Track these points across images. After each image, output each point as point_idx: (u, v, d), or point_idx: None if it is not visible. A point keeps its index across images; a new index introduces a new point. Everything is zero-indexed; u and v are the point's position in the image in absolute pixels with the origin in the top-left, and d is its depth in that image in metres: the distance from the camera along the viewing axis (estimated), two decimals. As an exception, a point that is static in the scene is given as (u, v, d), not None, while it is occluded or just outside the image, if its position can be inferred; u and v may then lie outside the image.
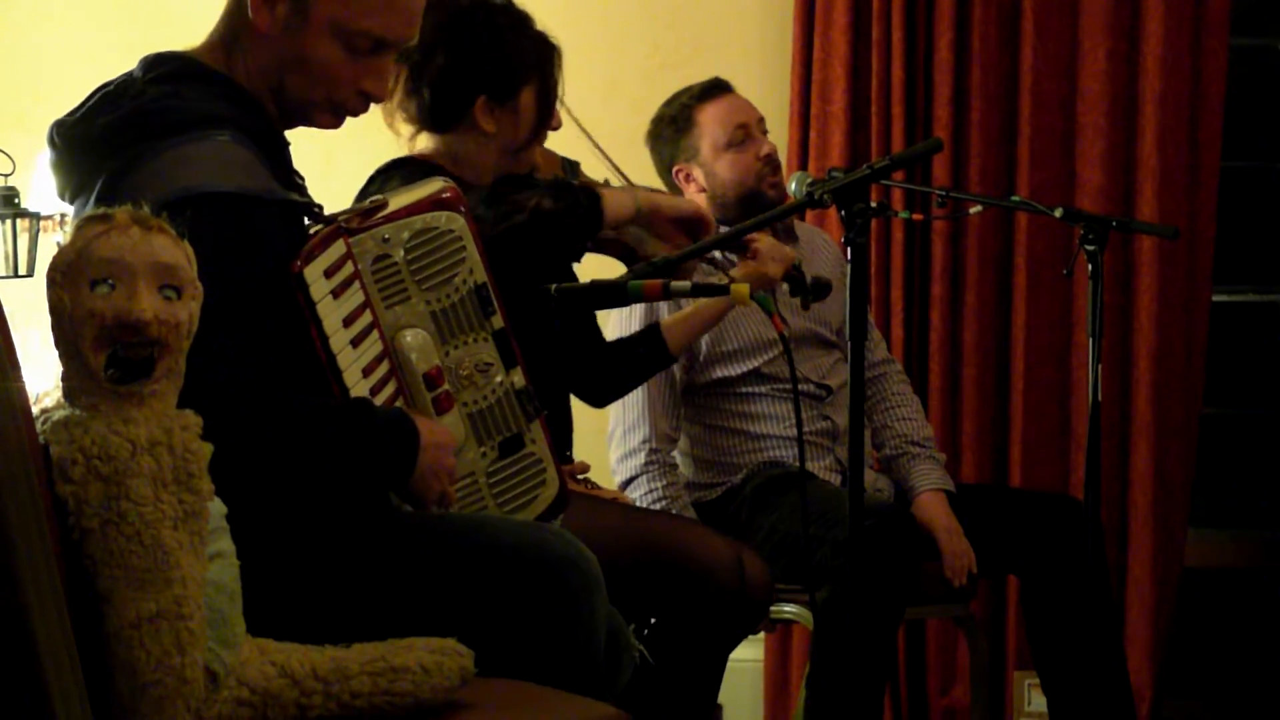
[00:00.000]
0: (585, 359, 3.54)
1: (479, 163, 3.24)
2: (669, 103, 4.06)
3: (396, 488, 2.45)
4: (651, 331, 3.59)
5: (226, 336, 2.27)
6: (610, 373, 3.57)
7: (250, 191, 2.38)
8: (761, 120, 4.04)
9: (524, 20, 3.28)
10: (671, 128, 4.02)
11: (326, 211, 2.53)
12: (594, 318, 3.63)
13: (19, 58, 4.88)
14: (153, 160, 2.35)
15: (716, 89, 4.03)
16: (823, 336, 4.00)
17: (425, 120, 3.25)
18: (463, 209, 2.57)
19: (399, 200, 2.56)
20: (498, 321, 2.60)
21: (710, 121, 3.99)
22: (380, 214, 2.51)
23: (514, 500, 2.64)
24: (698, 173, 4.00)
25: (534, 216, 2.96)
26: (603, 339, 3.62)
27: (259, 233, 2.38)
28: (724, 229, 3.88)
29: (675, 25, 4.89)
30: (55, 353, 1.99)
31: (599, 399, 3.65)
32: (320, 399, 2.41)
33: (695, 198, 3.98)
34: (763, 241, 3.49)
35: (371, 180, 3.22)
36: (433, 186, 2.59)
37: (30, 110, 4.77)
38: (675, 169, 4.02)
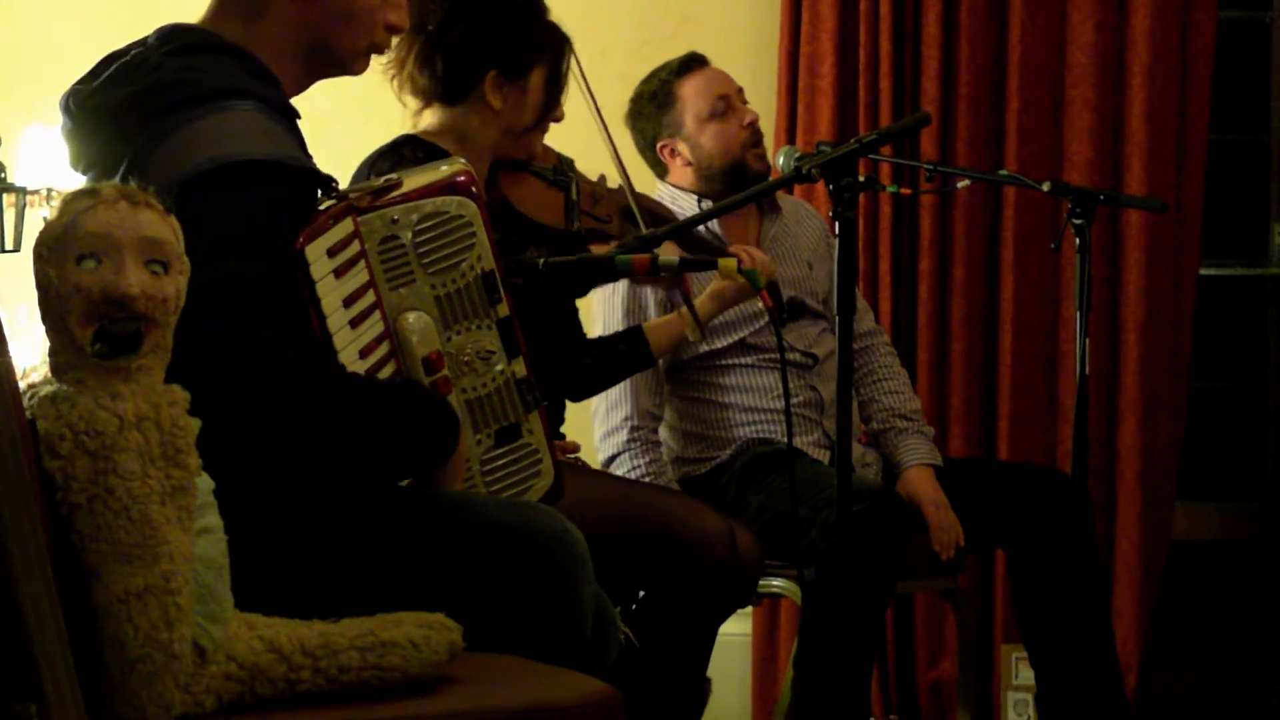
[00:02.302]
0: (566, 353, 3.53)
1: (482, 140, 3.30)
2: (647, 80, 4.06)
3: (428, 472, 2.46)
4: (635, 332, 3.59)
5: (272, 304, 2.28)
6: (590, 369, 3.57)
7: (280, 158, 2.39)
8: (741, 90, 4.05)
9: (540, 6, 3.37)
10: (652, 104, 4.02)
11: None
12: (576, 312, 3.62)
13: (6, 31, 4.86)
14: (177, 133, 2.36)
15: (694, 62, 4.04)
16: (809, 307, 4.00)
17: (435, 90, 3.30)
18: (476, 193, 2.56)
19: (413, 181, 2.55)
20: (503, 310, 2.59)
21: (692, 95, 4.00)
22: (392, 193, 2.51)
23: (507, 489, 2.64)
24: (682, 147, 4.00)
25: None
26: (583, 335, 3.62)
27: (290, 199, 2.39)
28: (709, 203, 3.91)
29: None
30: (42, 328, 1.99)
31: (576, 394, 3.65)
32: (372, 377, 2.42)
33: (681, 172, 3.99)
34: (748, 254, 3.50)
35: (377, 159, 3.25)
36: (449, 170, 2.58)
37: (17, 84, 4.76)
38: (659, 145, 4.02)
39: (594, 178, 3.50)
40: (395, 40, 3.20)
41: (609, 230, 3.41)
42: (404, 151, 3.24)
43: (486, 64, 3.27)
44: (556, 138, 3.47)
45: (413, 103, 3.33)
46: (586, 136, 3.43)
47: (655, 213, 3.52)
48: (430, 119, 3.33)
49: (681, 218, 3.50)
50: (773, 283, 3.58)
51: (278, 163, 2.38)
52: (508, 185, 3.34)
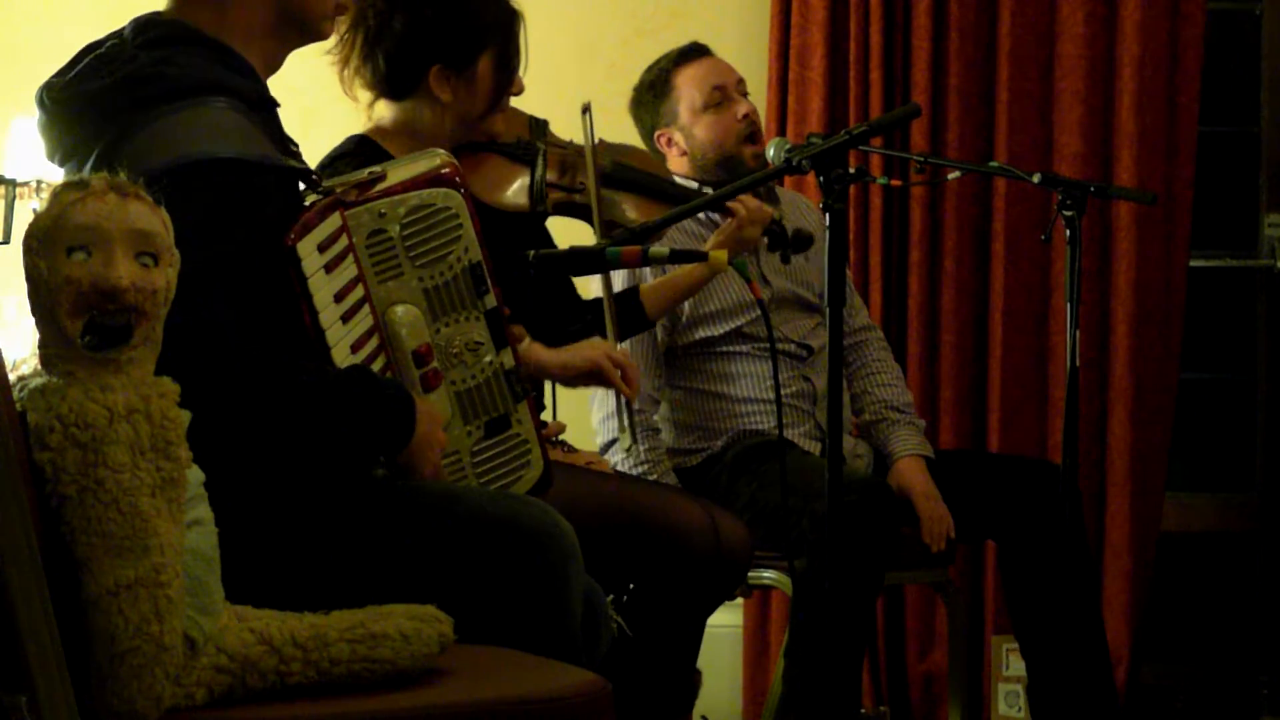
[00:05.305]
0: (560, 318, 3.51)
1: (436, 132, 3.20)
2: (649, 69, 4.06)
3: (391, 457, 2.46)
4: (629, 295, 3.57)
5: (230, 303, 2.28)
6: (584, 333, 3.54)
7: (248, 157, 2.38)
8: (741, 81, 4.03)
9: None
10: (651, 93, 4.02)
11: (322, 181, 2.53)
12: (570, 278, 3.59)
13: (-7, 23, 4.85)
14: (149, 127, 2.35)
15: (694, 52, 4.03)
16: (805, 299, 3.99)
17: (380, 87, 3.22)
18: (461, 184, 2.55)
19: (398, 173, 2.55)
20: (490, 301, 2.59)
21: (687, 84, 3.99)
22: (378, 186, 2.51)
23: (497, 480, 2.65)
24: (678, 136, 4.00)
25: None
26: (579, 299, 3.59)
27: (257, 199, 2.38)
28: (708, 191, 3.91)
29: (653, -11, 4.88)
30: (32, 320, 1.98)
31: None
32: (322, 366, 2.42)
33: (678, 161, 3.99)
34: (744, 206, 3.49)
35: (323, 165, 3.17)
36: (433, 161, 2.58)
37: (4, 76, 4.74)
38: (657, 134, 4.02)
39: (567, 140, 3.41)
40: (339, 30, 3.17)
41: (581, 200, 3.35)
42: (350, 157, 3.15)
43: (429, 59, 3.17)
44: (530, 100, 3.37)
45: (364, 96, 3.25)
46: (561, 93, 3.31)
47: (631, 168, 3.44)
48: (382, 112, 3.26)
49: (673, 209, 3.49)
50: (776, 222, 3.54)
51: (244, 161, 2.38)
52: (467, 170, 3.26)
